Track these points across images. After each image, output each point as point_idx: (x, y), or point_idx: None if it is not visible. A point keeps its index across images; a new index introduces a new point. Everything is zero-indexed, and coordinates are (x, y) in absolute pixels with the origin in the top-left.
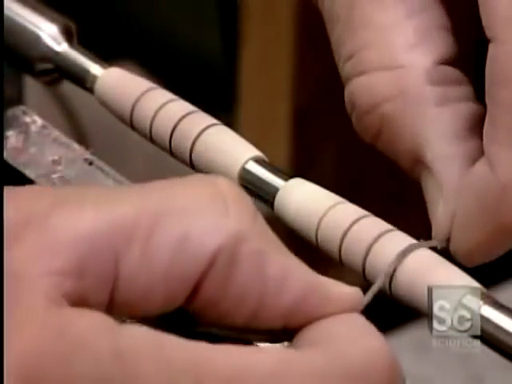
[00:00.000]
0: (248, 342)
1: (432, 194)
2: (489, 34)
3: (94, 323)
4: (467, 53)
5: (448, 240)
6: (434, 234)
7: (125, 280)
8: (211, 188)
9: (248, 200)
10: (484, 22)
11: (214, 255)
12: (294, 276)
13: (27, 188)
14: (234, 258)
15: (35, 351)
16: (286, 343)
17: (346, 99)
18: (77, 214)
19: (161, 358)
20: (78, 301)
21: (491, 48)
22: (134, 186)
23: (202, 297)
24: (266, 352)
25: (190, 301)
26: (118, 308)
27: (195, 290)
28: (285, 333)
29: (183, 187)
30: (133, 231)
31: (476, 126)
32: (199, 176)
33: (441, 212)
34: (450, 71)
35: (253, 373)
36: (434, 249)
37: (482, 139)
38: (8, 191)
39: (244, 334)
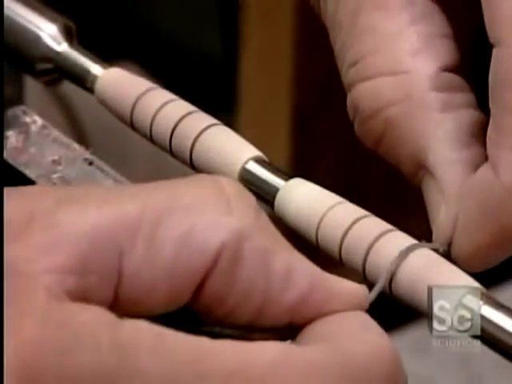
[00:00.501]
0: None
1: (433, 198)
2: (493, 37)
3: (94, 316)
4: (467, 60)
5: (449, 244)
6: (434, 238)
7: (129, 276)
8: (214, 187)
9: (251, 198)
10: (488, 26)
11: (217, 252)
12: (299, 272)
13: (29, 188)
14: (238, 255)
15: (35, 344)
16: (289, 342)
17: (349, 105)
18: (80, 211)
19: (162, 351)
20: (81, 298)
21: (495, 51)
22: (137, 186)
23: (207, 294)
24: (268, 347)
25: (194, 299)
26: (122, 305)
27: (200, 287)
28: (289, 331)
29: (186, 186)
30: (136, 228)
31: (479, 133)
32: (202, 176)
33: (442, 216)
34: (453, 78)
35: (254, 367)
36: (435, 251)
37: (484, 146)
38: (10, 191)
39: (248, 332)
